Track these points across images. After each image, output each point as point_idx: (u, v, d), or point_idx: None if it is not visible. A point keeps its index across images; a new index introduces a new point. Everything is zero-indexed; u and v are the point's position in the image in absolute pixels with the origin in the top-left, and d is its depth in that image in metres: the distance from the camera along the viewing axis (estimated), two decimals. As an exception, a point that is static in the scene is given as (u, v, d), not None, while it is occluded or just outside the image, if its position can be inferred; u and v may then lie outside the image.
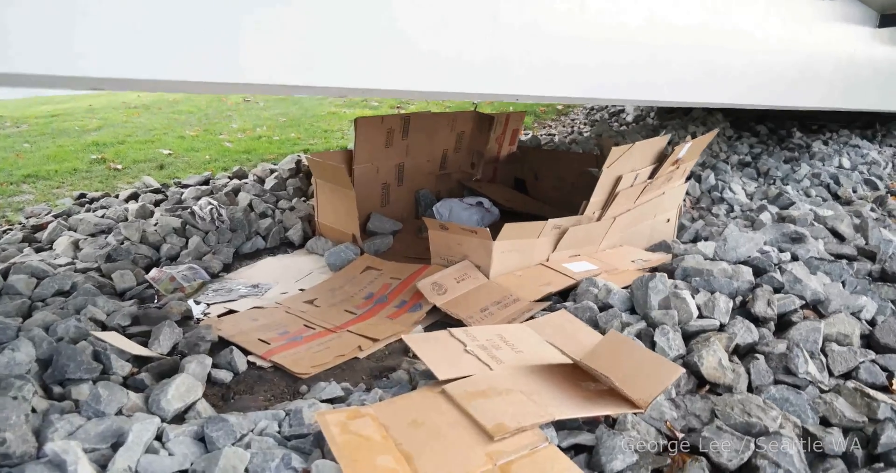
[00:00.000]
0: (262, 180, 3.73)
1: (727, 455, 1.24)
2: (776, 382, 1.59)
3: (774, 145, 5.45)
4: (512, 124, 3.83)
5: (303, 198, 3.44)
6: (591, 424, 1.39)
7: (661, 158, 2.67)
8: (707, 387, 1.54)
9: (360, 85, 1.60)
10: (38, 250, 2.79)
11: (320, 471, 1.26)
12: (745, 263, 2.16)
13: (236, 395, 1.82)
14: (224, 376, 1.88)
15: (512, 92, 2.05)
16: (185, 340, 2.02)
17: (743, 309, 1.88)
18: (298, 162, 3.80)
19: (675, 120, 6.32)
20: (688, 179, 3.39)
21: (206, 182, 3.84)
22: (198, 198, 3.33)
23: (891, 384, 1.61)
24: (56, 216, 3.11)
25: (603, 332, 1.79)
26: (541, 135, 6.29)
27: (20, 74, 1.09)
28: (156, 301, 2.41)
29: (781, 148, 5.36)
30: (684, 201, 3.64)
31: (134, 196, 3.49)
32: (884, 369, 1.68)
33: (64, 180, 4.18)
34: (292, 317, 2.28)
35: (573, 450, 1.32)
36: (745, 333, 1.72)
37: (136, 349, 1.88)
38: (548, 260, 2.53)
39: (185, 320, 2.26)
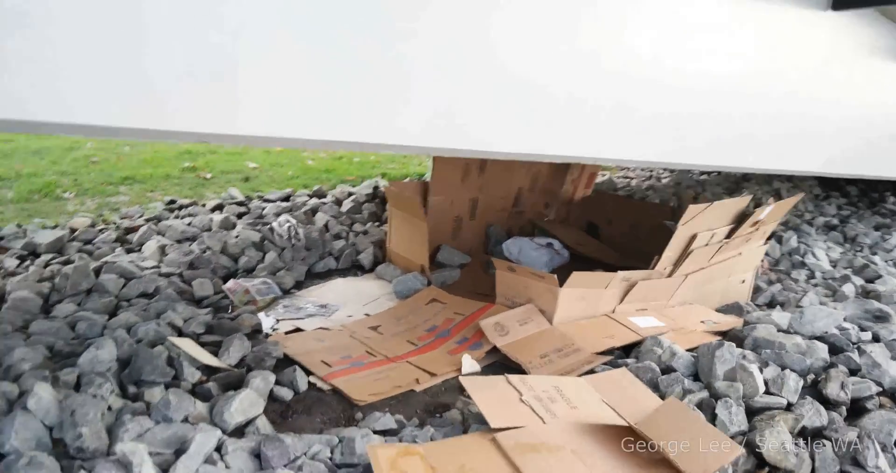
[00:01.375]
0: (339, 202, 3.86)
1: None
2: (841, 472, 1.52)
3: (865, 209, 5.21)
4: (589, 168, 3.83)
5: (377, 223, 3.53)
6: (641, 492, 1.37)
7: (740, 219, 2.61)
8: (767, 470, 1.50)
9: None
10: (128, 252, 2.97)
11: (366, 505, 1.30)
12: (820, 339, 2.08)
13: (294, 414, 1.88)
14: (285, 394, 1.94)
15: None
16: (252, 353, 2.11)
17: (814, 389, 1.81)
18: (376, 187, 3.91)
19: (759, 174, 6.14)
20: (768, 239, 3.30)
21: (286, 199, 3.99)
22: (278, 214, 3.47)
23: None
24: (148, 220, 3.30)
25: (663, 396, 1.76)
26: (617, 177, 6.24)
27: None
28: (230, 312, 2.52)
29: (872, 212, 5.12)
30: (762, 262, 3.54)
31: (219, 207, 3.67)
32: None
33: (157, 185, 4.43)
34: (356, 342, 2.33)
35: (620, 517, 1.31)
36: (813, 415, 1.66)
37: (207, 358, 1.98)
38: (614, 312, 2.51)
39: (255, 333, 2.35)
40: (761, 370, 1.79)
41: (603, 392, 1.75)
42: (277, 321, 2.52)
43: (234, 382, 1.90)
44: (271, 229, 3.14)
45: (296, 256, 3.07)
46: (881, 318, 2.34)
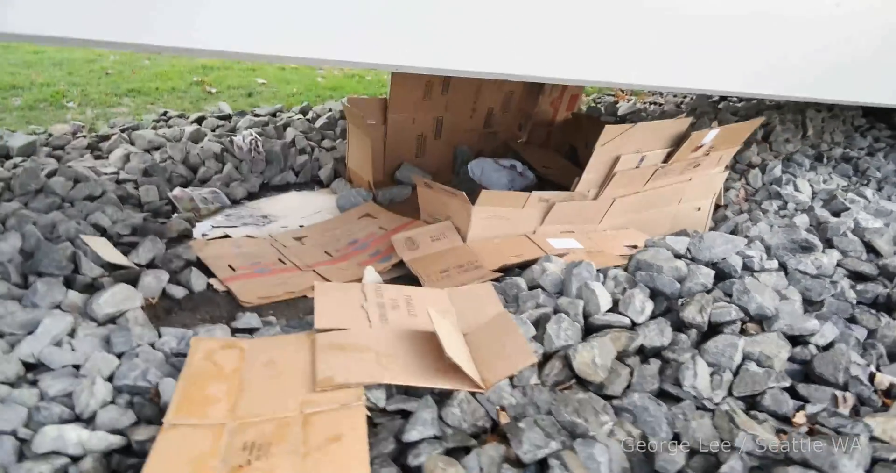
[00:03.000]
0: (315, 118, 3.89)
1: (525, 447, 1.23)
2: (660, 391, 1.52)
3: (906, 144, 4.85)
4: (571, 89, 3.70)
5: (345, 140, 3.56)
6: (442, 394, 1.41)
7: (678, 143, 2.50)
8: (573, 381, 1.51)
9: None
10: (96, 158, 3.13)
11: (164, 388, 1.40)
12: (713, 265, 2.02)
13: (179, 311, 2.01)
14: (177, 292, 2.07)
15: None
16: (165, 255, 2.23)
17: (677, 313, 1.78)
18: (357, 104, 3.90)
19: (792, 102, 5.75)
20: (731, 168, 3.16)
21: (274, 114, 4.06)
22: (249, 128, 3.54)
23: (793, 416, 1.49)
24: (123, 130, 3.44)
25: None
26: (645, 103, 5.98)
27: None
28: (169, 219, 2.65)
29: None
30: (738, 191, 3.40)
31: (200, 120, 3.78)
32: (801, 399, 1.56)
33: (160, 98, 4.58)
34: (273, 250, 2.43)
35: (400, 414, 1.37)
36: (654, 335, 1.65)
37: (113, 256, 2.11)
38: (535, 233, 2.49)
39: (182, 238, 2.48)
40: (613, 290, 1.78)
41: (456, 304, 1.78)
42: (212, 227, 2.64)
43: (130, 279, 2.03)
44: (231, 141, 3.22)
45: (254, 168, 3.16)
46: (806, 248, 2.24)
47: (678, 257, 2.09)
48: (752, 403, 1.53)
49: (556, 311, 1.70)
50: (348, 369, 1.40)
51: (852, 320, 1.90)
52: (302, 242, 2.54)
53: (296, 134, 3.47)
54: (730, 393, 1.54)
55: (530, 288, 1.92)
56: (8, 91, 4.36)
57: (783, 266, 2.10)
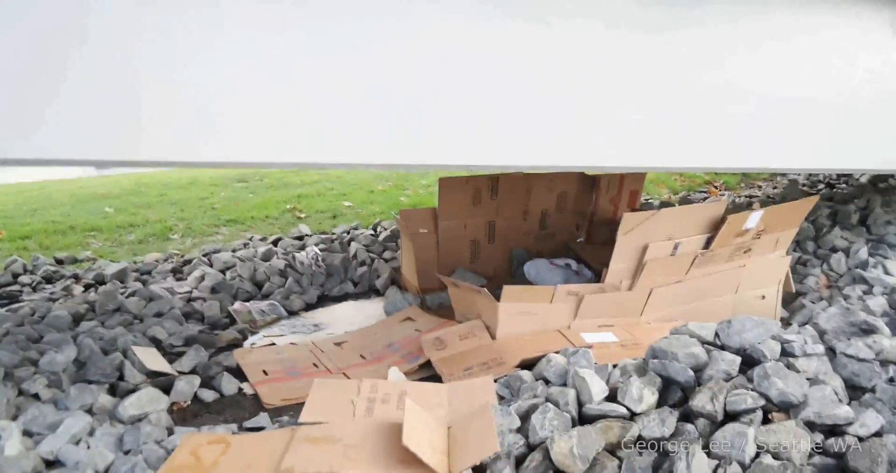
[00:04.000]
0: (380, 233, 4.08)
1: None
2: (653, 484, 1.38)
3: None
4: (629, 185, 3.67)
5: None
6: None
7: (717, 227, 2.39)
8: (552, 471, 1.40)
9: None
10: (177, 280, 3.43)
11: (144, 482, 1.46)
12: (742, 351, 1.85)
13: (206, 413, 2.09)
14: (208, 396, 2.17)
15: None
16: (207, 363, 2.37)
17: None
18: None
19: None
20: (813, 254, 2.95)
21: (348, 232, 4.30)
22: (317, 245, 3.77)
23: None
24: (204, 254, 3.78)
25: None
26: (742, 197, 5.78)
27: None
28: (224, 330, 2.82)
29: None
30: (818, 278, 3.13)
31: (276, 241, 4.07)
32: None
33: (252, 226, 5.00)
34: (310, 355, 2.50)
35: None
36: (655, 426, 1.51)
37: (155, 364, 2.27)
38: (569, 328, 2.42)
39: (233, 347, 2.62)
40: (612, 379, 1.67)
41: (451, 398, 1.74)
42: (263, 337, 2.78)
43: (166, 384, 2.16)
44: (293, 257, 3.44)
45: (314, 281, 3.33)
46: (867, 331, 2.00)
47: (705, 343, 1.94)
48: (765, 501, 1.35)
49: (547, 401, 1.62)
50: (311, 460, 1.39)
51: (914, 408, 1.65)
52: (341, 347, 2.60)
53: (358, 247, 3.64)
54: (738, 490, 1.37)
55: (537, 380, 1.84)
56: (125, 229, 4.94)
57: (832, 350, 1.89)
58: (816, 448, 1.52)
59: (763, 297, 2.73)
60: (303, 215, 5.30)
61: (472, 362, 2.24)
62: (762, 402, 1.58)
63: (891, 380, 1.74)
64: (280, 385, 2.24)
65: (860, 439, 1.51)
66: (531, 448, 1.49)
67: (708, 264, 2.48)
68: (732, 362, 1.77)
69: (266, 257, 3.62)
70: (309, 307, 3.18)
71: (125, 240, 4.67)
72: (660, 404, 1.69)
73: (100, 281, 3.37)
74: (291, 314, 3.09)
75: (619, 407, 1.57)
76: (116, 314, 2.82)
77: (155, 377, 2.22)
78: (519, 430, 1.53)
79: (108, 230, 4.91)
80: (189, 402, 2.14)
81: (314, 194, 6.10)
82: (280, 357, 2.48)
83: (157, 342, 2.53)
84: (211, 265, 3.57)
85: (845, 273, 3.15)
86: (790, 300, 3.04)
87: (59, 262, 3.91)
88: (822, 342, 1.94)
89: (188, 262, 3.67)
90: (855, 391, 1.75)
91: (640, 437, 1.51)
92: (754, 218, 2.41)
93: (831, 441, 1.50)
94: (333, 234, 4.27)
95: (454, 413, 1.65)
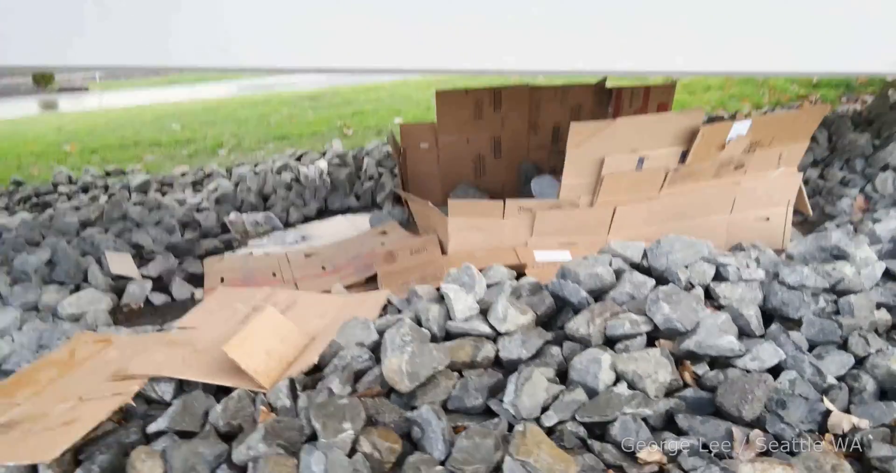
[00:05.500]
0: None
1: (241, 449, 1.12)
2: (486, 408, 1.29)
3: None
4: (656, 98, 3.33)
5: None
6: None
7: (694, 139, 2.13)
8: (378, 388, 1.34)
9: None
10: (195, 192, 3.56)
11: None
12: (660, 274, 1.66)
13: (149, 316, 2.18)
14: (158, 299, 2.26)
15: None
16: (174, 269, 2.46)
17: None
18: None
19: None
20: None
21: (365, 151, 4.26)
22: (332, 158, 3.77)
23: (635, 449, 1.16)
24: (228, 169, 3.88)
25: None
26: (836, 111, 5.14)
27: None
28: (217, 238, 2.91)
29: None
30: (852, 200, 2.75)
31: (301, 156, 4.11)
32: (678, 432, 1.22)
33: (297, 142, 5.07)
34: (275, 265, 2.54)
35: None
36: (514, 347, 1.40)
37: (122, 269, 2.39)
38: (526, 245, 2.28)
39: (209, 254, 2.71)
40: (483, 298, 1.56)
41: (340, 310, 1.71)
42: (251, 247, 2.85)
43: (121, 286, 2.28)
44: (298, 171, 3.45)
45: (317, 195, 3.34)
46: (838, 256, 1.74)
47: (634, 266, 1.76)
48: (602, 431, 1.23)
49: (413, 318, 1.55)
50: (150, 362, 1.41)
51: (844, 345, 1.43)
52: (310, 258, 2.61)
53: (370, 162, 3.60)
54: (573, 417, 1.25)
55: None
56: (183, 144, 5.18)
57: (778, 277, 1.66)
58: (696, 378, 1.36)
59: (767, 219, 2.43)
60: (350, 132, 5.30)
61: (411, 276, 2.18)
62: (647, 328, 1.43)
63: (823, 311, 1.51)
64: (229, 292, 2.28)
65: (747, 372, 1.34)
66: (379, 362, 1.43)
67: (687, 181, 2.23)
68: (641, 285, 1.60)
69: (280, 171, 3.66)
70: (307, 219, 3.21)
71: (178, 154, 4.89)
72: (548, 326, 1.57)
73: (126, 190, 3.57)
74: (287, 225, 3.13)
75: (481, 326, 1.47)
76: (119, 222, 2.98)
77: (118, 281, 2.34)
78: (375, 346, 1.48)
79: (166, 145, 5.16)
80: (141, 305, 2.25)
81: (370, 110, 6.07)
82: (246, 266, 2.53)
83: (139, 248, 2.66)
84: (230, 179, 3.67)
85: (890, 195, 2.74)
86: (817, 223, 2.71)
87: (108, 174, 4.18)
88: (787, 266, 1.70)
89: (209, 175, 3.79)
90: (785, 321, 1.54)
91: (497, 357, 1.42)
92: (739, 129, 2.11)
93: (713, 373, 1.34)
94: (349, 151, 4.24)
95: (334, 324, 1.62)
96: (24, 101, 10.41)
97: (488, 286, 1.72)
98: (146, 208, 3.09)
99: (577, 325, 1.44)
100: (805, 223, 2.81)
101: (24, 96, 11.24)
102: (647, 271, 1.73)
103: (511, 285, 1.66)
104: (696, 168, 2.19)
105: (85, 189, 3.72)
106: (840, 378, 1.36)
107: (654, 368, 1.29)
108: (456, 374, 1.38)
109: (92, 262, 2.37)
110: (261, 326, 1.44)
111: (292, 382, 1.32)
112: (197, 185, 3.68)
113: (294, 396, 1.31)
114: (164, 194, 3.52)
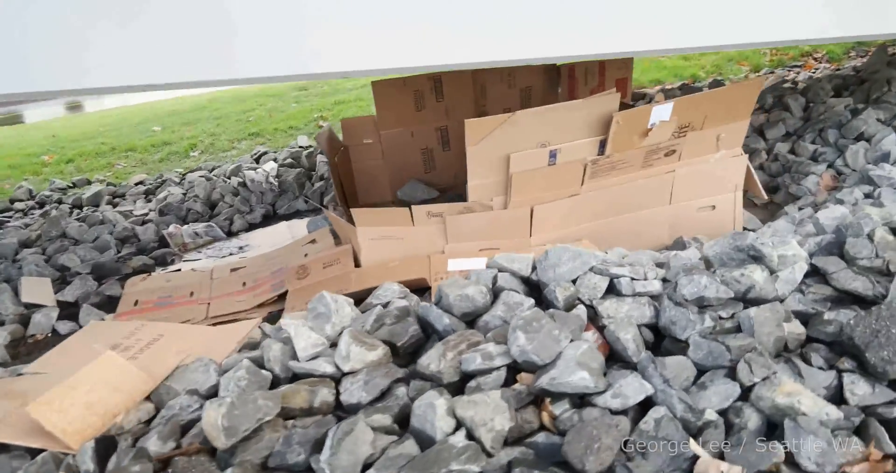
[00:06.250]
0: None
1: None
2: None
3: None
4: (613, 73, 3.11)
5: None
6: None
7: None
8: (197, 445, 1.22)
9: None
10: (148, 201, 3.48)
11: None
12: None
13: (52, 347, 2.10)
14: (64, 328, 2.18)
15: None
16: (92, 292, 2.38)
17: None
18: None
19: None
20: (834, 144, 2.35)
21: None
22: (285, 158, 3.64)
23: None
24: (184, 174, 3.79)
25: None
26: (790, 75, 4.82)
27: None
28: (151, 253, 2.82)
29: None
30: (819, 177, 2.52)
31: (260, 156, 3.99)
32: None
33: (270, 138, 4.95)
34: (195, 283, 2.43)
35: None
36: (356, 389, 1.26)
37: (34, 297, 2.31)
38: (444, 253, 2.13)
39: (137, 273, 2.62)
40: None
41: (206, 342, 1.59)
42: (184, 262, 2.75)
43: (29, 315, 2.20)
44: (243, 176, 3.34)
45: (264, 199, 3.23)
46: (755, 258, 1.55)
47: (525, 281, 1.60)
48: None
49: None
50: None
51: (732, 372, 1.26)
52: (235, 272, 2.50)
53: (322, 160, 3.47)
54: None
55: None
56: (159, 147, 5.11)
57: (676, 287, 1.48)
58: (553, 420, 1.20)
59: (713, 207, 2.23)
60: (325, 125, 5.16)
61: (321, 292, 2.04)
62: (504, 361, 1.27)
63: (713, 330, 1.33)
64: (139, 318, 2.19)
65: (611, 412, 1.17)
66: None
67: (613, 173, 2.04)
68: (518, 306, 1.44)
69: (231, 175, 3.56)
70: (252, 226, 3.10)
71: (150, 159, 4.82)
72: (414, 359, 1.42)
73: (77, 205, 3.50)
74: (231, 234, 3.03)
75: (325, 365, 1.33)
76: (58, 241, 2.91)
77: (30, 309, 2.26)
78: (213, 392, 1.36)
79: (141, 150, 5.10)
80: (49, 334, 2.17)
81: (352, 99, 5.91)
82: (168, 285, 2.43)
83: (65, 270, 2.58)
84: (181, 186, 3.58)
85: (861, 170, 2.49)
86: (783, 206, 2.49)
87: (73, 185, 4.13)
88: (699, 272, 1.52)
89: (164, 182, 3.70)
90: (676, 343, 1.37)
91: (338, 402, 1.28)
92: (660, 113, 1.91)
93: (567, 414, 1.18)
94: (307, 148, 4.10)
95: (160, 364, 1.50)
96: (53, 104, 10.49)
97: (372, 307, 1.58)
98: (87, 224, 3.01)
99: (429, 360, 1.29)
100: (769, 207, 2.59)
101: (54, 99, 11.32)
102: (536, 286, 1.57)
103: (377, 311, 1.51)
104: (619, 158, 2.00)
105: (41, 204, 3.67)
106: (723, 413, 1.19)
107: (492, 414, 1.14)
108: (291, 423, 1.25)
109: (7, 289, 2.30)
110: (89, 375, 1.32)
111: (98, 442, 1.20)
112: (150, 194, 3.60)
113: (102, 458, 1.19)
114: (115, 205, 3.45)
